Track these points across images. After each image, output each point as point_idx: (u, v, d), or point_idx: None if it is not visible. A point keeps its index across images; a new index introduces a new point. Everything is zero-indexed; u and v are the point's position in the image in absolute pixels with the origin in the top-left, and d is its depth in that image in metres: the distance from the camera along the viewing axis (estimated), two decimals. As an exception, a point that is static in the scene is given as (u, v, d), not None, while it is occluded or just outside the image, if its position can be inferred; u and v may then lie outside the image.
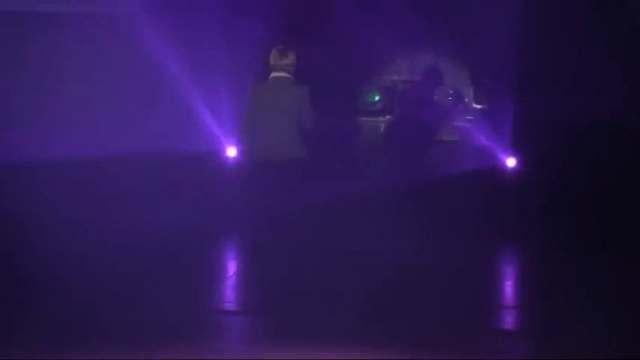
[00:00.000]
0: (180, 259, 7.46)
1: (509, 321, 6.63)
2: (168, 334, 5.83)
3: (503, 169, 9.17)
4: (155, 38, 9.89)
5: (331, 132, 8.99)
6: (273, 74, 7.83)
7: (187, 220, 8.47)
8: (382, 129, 12.55)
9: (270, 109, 7.75)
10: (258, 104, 7.83)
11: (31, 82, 10.28)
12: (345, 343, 5.67)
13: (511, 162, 9.09)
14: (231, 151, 8.45)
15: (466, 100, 11.76)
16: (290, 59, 7.81)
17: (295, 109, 7.73)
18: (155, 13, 10.07)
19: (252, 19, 10.25)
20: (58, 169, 9.38)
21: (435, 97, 11.75)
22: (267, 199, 7.69)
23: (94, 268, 7.21)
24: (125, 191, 9.19)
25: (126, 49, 9.94)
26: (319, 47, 9.57)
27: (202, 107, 9.72)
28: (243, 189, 8.10)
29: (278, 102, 7.73)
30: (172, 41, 9.89)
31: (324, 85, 8.49)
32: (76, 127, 9.90)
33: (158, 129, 9.73)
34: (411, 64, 12.59)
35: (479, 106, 11.45)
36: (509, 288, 7.49)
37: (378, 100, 12.95)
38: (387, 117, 12.65)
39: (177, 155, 9.46)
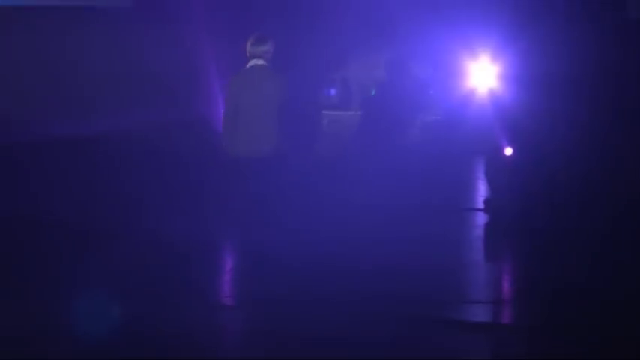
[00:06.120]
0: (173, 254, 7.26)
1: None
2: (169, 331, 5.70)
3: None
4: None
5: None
6: (251, 62, 7.70)
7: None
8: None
9: (251, 100, 7.63)
10: (238, 95, 7.67)
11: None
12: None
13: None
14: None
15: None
16: (268, 46, 7.70)
17: (276, 99, 7.66)
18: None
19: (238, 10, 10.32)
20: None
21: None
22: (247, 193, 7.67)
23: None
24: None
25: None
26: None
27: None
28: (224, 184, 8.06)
29: (258, 91, 7.62)
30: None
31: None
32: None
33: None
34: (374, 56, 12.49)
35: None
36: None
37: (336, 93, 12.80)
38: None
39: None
